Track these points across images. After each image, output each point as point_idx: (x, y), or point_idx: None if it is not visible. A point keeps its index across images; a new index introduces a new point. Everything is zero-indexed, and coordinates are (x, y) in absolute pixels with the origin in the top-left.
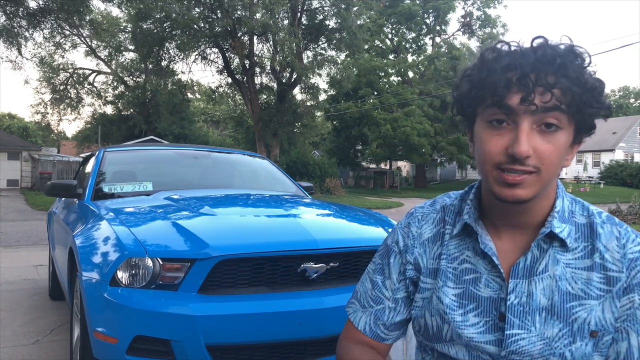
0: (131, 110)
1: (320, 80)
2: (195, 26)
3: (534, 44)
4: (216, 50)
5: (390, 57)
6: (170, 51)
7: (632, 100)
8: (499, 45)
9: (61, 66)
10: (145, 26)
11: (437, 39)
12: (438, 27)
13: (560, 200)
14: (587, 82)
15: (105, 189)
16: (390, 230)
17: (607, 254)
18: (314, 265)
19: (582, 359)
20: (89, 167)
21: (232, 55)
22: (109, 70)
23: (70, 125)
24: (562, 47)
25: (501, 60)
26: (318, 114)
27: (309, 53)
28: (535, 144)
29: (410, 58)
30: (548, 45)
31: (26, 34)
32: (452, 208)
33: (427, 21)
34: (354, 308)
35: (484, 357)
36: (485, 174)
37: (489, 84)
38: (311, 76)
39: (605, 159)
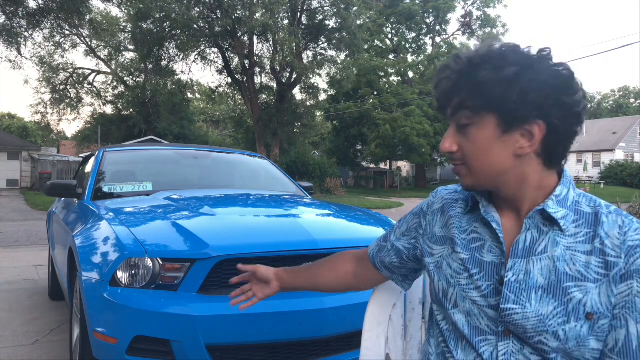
0: (131, 110)
1: (320, 80)
2: (195, 26)
3: (442, 64)
4: (216, 50)
5: (390, 57)
6: (170, 51)
7: (632, 100)
8: (444, 64)
9: (61, 66)
10: (145, 26)
11: (437, 39)
12: (438, 27)
13: (562, 188)
14: (478, 75)
15: (105, 189)
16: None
17: (608, 240)
18: None
19: (577, 341)
20: (88, 167)
21: (232, 55)
22: (108, 70)
23: (70, 125)
24: (460, 58)
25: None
26: (318, 114)
27: (309, 53)
28: (458, 140)
29: (410, 58)
30: (450, 61)
31: (26, 34)
32: None
33: (427, 21)
34: (379, 237)
35: (482, 327)
36: None
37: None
38: (311, 76)
39: (606, 159)
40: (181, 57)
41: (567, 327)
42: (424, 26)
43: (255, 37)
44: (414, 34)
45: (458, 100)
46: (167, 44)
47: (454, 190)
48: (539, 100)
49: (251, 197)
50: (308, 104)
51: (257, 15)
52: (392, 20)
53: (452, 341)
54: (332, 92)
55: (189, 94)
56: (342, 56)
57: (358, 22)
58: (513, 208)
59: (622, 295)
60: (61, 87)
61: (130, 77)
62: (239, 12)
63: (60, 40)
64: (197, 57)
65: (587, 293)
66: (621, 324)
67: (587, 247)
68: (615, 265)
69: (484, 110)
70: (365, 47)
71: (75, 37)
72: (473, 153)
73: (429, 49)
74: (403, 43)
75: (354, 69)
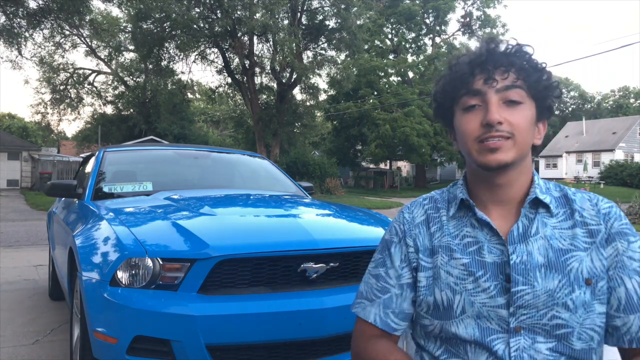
0: (131, 110)
1: (320, 80)
2: (195, 26)
3: (486, 41)
4: (216, 50)
5: (390, 57)
6: (170, 51)
7: (632, 100)
8: (461, 53)
9: (61, 66)
10: (145, 26)
11: (437, 39)
12: (438, 27)
13: (536, 178)
14: (535, 64)
15: (105, 189)
16: None
17: (585, 212)
18: (314, 265)
19: (584, 307)
20: (89, 167)
21: (232, 55)
22: (109, 70)
23: (70, 125)
24: (509, 42)
25: (464, 58)
26: (318, 114)
27: (309, 53)
28: (504, 115)
29: (410, 58)
30: (497, 41)
31: (26, 34)
32: (442, 198)
33: (427, 21)
34: (362, 306)
35: (492, 327)
36: (469, 152)
37: (458, 77)
38: (311, 76)
39: (605, 159)
40: (181, 57)
41: (573, 296)
42: (424, 26)
43: (255, 37)
44: (413, 34)
45: (516, 78)
46: (167, 44)
47: (427, 200)
48: (554, 100)
49: (251, 197)
50: (308, 104)
51: (257, 15)
52: (392, 21)
53: (455, 347)
54: (332, 92)
55: (189, 94)
56: (342, 56)
57: (358, 22)
58: (500, 200)
59: (611, 257)
60: (61, 87)
61: (130, 77)
62: (239, 12)
63: (61, 41)
64: (197, 57)
65: (582, 261)
66: (618, 283)
67: (569, 223)
68: (598, 232)
69: (532, 95)
70: (365, 47)
71: (76, 37)
72: (523, 126)
73: (429, 49)
74: (403, 43)
75: (354, 69)
